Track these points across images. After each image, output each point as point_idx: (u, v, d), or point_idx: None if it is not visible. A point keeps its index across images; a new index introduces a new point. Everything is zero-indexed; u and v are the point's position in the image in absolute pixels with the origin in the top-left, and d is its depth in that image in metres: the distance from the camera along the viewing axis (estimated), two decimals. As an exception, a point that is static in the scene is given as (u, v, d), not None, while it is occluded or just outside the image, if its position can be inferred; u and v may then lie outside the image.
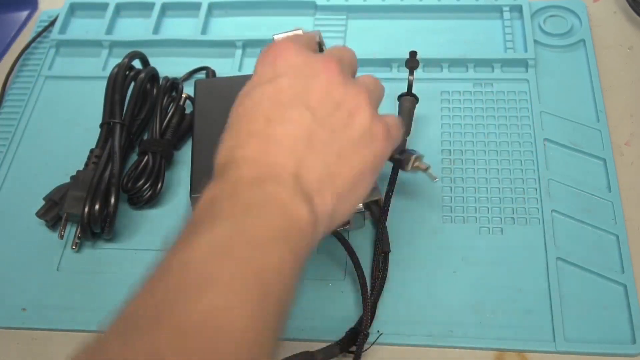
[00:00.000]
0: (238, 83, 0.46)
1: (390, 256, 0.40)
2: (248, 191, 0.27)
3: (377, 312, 0.38)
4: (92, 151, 0.44)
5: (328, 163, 0.29)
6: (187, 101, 0.48)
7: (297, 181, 0.27)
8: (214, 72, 0.50)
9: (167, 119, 0.46)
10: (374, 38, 0.52)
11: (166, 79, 0.47)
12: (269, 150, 0.28)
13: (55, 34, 0.54)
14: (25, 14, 0.58)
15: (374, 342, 0.37)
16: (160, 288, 0.23)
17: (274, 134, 0.28)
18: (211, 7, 0.55)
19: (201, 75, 0.50)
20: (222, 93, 0.46)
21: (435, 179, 0.39)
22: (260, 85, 0.31)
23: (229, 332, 0.22)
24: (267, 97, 0.30)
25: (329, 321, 0.38)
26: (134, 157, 0.45)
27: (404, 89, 0.44)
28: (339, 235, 0.39)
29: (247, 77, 0.46)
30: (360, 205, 0.39)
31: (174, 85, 0.48)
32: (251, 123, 0.29)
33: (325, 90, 0.30)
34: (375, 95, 0.33)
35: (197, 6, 0.54)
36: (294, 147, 0.28)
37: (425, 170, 0.38)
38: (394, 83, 0.48)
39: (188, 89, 0.48)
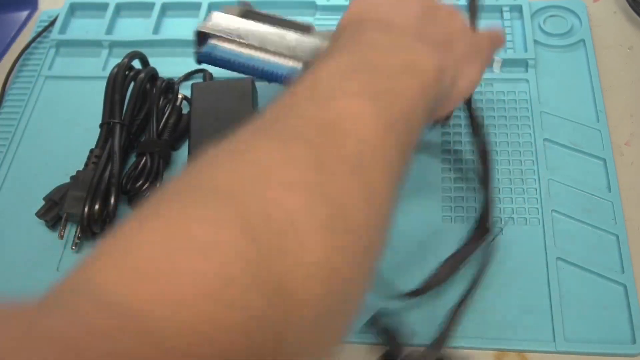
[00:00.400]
0: (234, 86, 0.47)
1: (390, 256, 0.40)
2: (371, 31, 0.29)
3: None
4: (92, 151, 0.44)
5: (441, 37, 0.31)
6: (184, 102, 0.48)
7: (418, 37, 0.30)
8: (211, 75, 0.50)
9: (164, 119, 0.46)
10: (374, 38, 0.52)
11: (161, 79, 0.47)
12: (390, 17, 0.31)
13: (55, 34, 0.54)
14: (25, 14, 0.58)
15: (502, 229, 0.38)
16: (291, 98, 0.25)
17: (391, 16, 0.31)
18: (211, 7, 0.55)
19: (199, 76, 0.50)
20: (218, 96, 0.46)
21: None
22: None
23: (357, 134, 0.23)
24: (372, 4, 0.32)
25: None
26: (134, 157, 0.45)
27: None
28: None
29: (243, 81, 0.46)
30: None
31: (169, 85, 0.47)
32: (365, 13, 0.32)
33: (422, 4, 0.33)
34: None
35: (197, 6, 0.54)
36: (410, 22, 0.31)
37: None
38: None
39: (186, 91, 0.47)
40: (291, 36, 0.39)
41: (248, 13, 0.40)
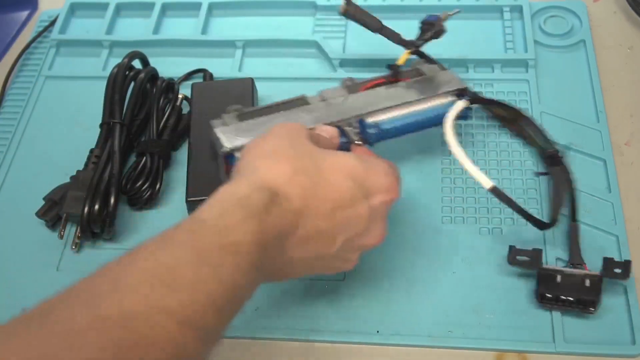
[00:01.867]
0: (234, 86, 0.47)
1: (390, 256, 0.40)
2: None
3: (377, 311, 0.38)
4: (92, 151, 0.44)
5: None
6: (184, 102, 0.48)
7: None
8: (211, 75, 0.50)
9: (164, 119, 0.46)
10: (374, 38, 0.52)
11: (161, 79, 0.47)
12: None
13: (55, 34, 0.54)
14: (25, 14, 0.58)
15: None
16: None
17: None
18: (211, 7, 0.55)
19: (199, 76, 0.50)
20: (218, 96, 0.46)
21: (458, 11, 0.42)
22: None
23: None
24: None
25: (328, 321, 0.38)
26: (135, 157, 0.45)
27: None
28: None
29: (243, 81, 0.46)
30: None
31: (170, 85, 0.47)
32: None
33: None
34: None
35: (197, 6, 0.54)
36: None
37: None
38: (394, 83, 0.48)
39: (186, 91, 0.47)
40: (303, 112, 0.39)
41: (244, 115, 0.40)
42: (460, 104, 0.40)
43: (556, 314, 0.37)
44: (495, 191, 0.36)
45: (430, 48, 0.50)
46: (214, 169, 0.42)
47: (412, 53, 0.42)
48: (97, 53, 0.53)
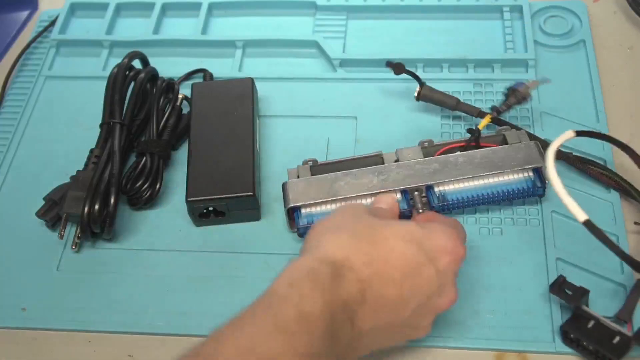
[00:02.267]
0: (234, 86, 0.47)
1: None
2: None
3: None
4: (92, 151, 0.44)
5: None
6: (184, 102, 0.48)
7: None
8: (211, 75, 0.50)
9: (164, 119, 0.46)
10: (374, 38, 0.52)
11: (161, 79, 0.47)
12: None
13: (55, 34, 0.55)
14: (25, 14, 0.58)
15: None
16: None
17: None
18: (211, 7, 0.55)
19: (199, 76, 0.50)
20: (218, 96, 0.46)
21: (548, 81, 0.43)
22: None
23: None
24: None
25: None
26: (135, 157, 0.45)
27: (402, 89, 0.44)
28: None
29: (243, 81, 0.46)
30: None
31: (170, 85, 0.48)
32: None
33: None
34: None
35: (197, 6, 0.54)
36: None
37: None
38: (393, 83, 0.48)
39: (186, 91, 0.47)
40: (373, 174, 0.40)
41: (317, 168, 0.41)
42: (568, 134, 0.38)
43: (556, 314, 0.37)
44: (589, 225, 0.34)
45: (429, 48, 0.50)
46: (214, 169, 0.42)
47: (492, 119, 0.42)
48: (97, 53, 0.53)
